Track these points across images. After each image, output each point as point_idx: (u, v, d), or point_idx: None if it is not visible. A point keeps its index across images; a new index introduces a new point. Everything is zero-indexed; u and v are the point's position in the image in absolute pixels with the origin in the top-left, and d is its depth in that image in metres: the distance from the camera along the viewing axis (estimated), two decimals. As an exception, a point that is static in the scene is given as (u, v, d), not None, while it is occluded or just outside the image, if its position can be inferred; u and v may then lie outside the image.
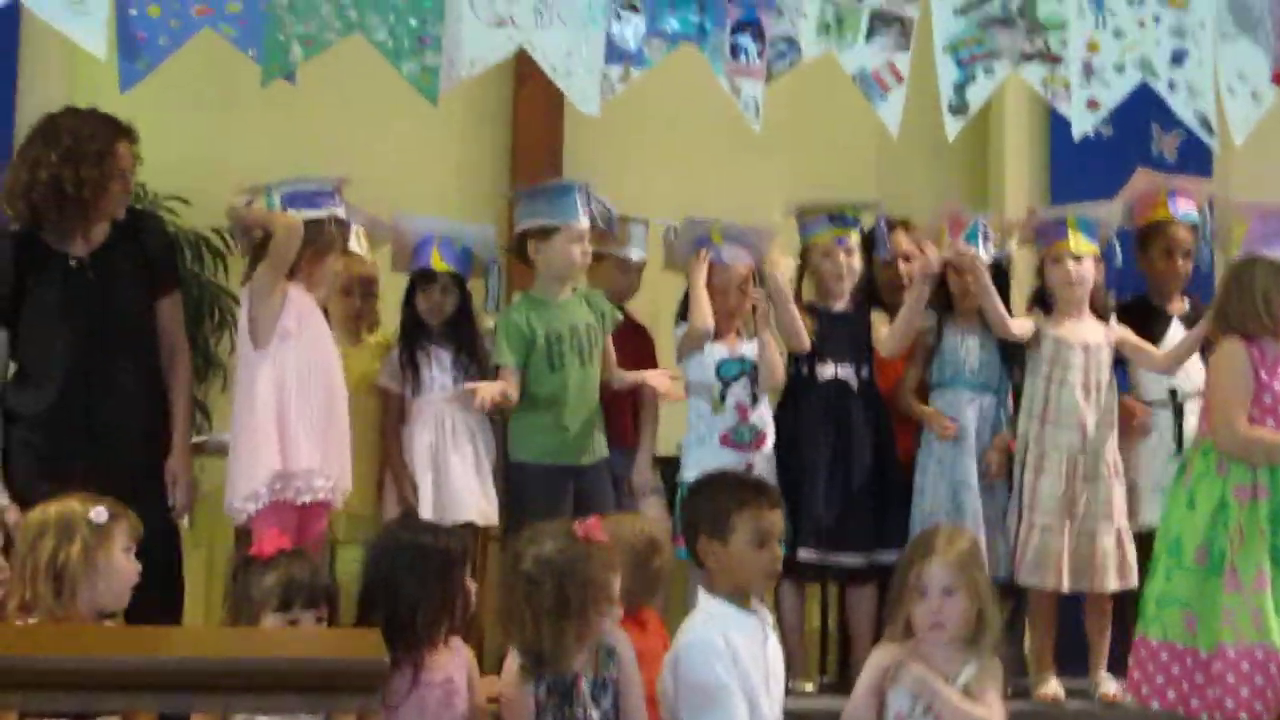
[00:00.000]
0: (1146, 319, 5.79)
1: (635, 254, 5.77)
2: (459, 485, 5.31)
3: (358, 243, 5.68)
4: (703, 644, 4.32)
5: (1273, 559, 4.70)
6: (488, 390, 5.26)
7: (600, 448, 5.43)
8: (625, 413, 5.68)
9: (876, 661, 4.43)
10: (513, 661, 4.32)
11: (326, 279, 5.26)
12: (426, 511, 5.23)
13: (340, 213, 5.22)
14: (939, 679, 4.30)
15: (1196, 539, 4.74)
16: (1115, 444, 5.55)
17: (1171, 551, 4.76)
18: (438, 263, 5.45)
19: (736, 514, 4.40)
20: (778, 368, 5.57)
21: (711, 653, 4.29)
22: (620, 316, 5.59)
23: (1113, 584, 5.47)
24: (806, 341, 5.60)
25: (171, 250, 5.50)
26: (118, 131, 5.06)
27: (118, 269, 5.10)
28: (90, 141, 4.99)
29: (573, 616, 4.25)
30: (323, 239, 5.17)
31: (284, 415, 5.02)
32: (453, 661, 4.42)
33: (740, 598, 4.43)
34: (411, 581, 4.35)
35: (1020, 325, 5.60)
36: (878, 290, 5.89)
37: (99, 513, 4.22)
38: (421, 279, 5.48)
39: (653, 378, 5.56)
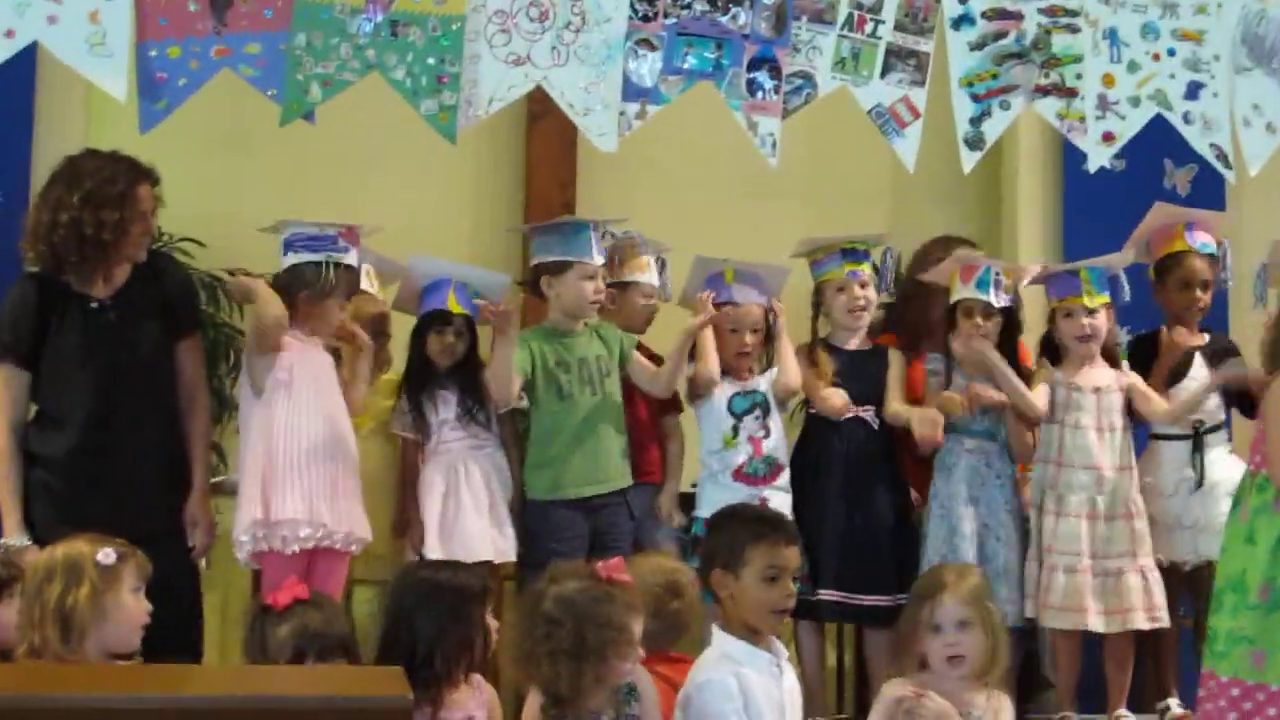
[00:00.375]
0: (1149, 352, 5.78)
1: (649, 279, 5.74)
2: (470, 526, 5.28)
3: (369, 282, 5.69)
4: (714, 684, 4.29)
5: None
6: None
7: (617, 478, 5.42)
8: (649, 447, 5.66)
9: (889, 694, 4.43)
10: (533, 701, 4.30)
11: (328, 323, 5.25)
12: (434, 554, 5.22)
13: (344, 258, 5.20)
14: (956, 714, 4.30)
15: (1259, 576, 4.73)
16: (1135, 484, 5.54)
17: (1236, 588, 4.74)
18: (454, 305, 5.45)
19: (751, 548, 4.39)
20: (794, 371, 5.57)
21: (723, 694, 4.27)
22: (636, 339, 5.58)
23: (1140, 623, 5.45)
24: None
25: (191, 293, 5.51)
26: (139, 174, 5.07)
27: (138, 311, 5.10)
28: (111, 184, 5.00)
29: (590, 658, 4.20)
30: (319, 284, 5.18)
31: (271, 464, 5.07)
32: (474, 699, 4.41)
33: (755, 635, 4.41)
34: (429, 619, 4.34)
35: (1042, 399, 5.60)
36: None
37: (106, 554, 4.18)
38: (437, 321, 5.46)
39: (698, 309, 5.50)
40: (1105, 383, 5.59)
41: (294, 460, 5.07)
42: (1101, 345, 5.65)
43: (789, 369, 5.58)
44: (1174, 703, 5.62)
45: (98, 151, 5.12)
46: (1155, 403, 5.64)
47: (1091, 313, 5.59)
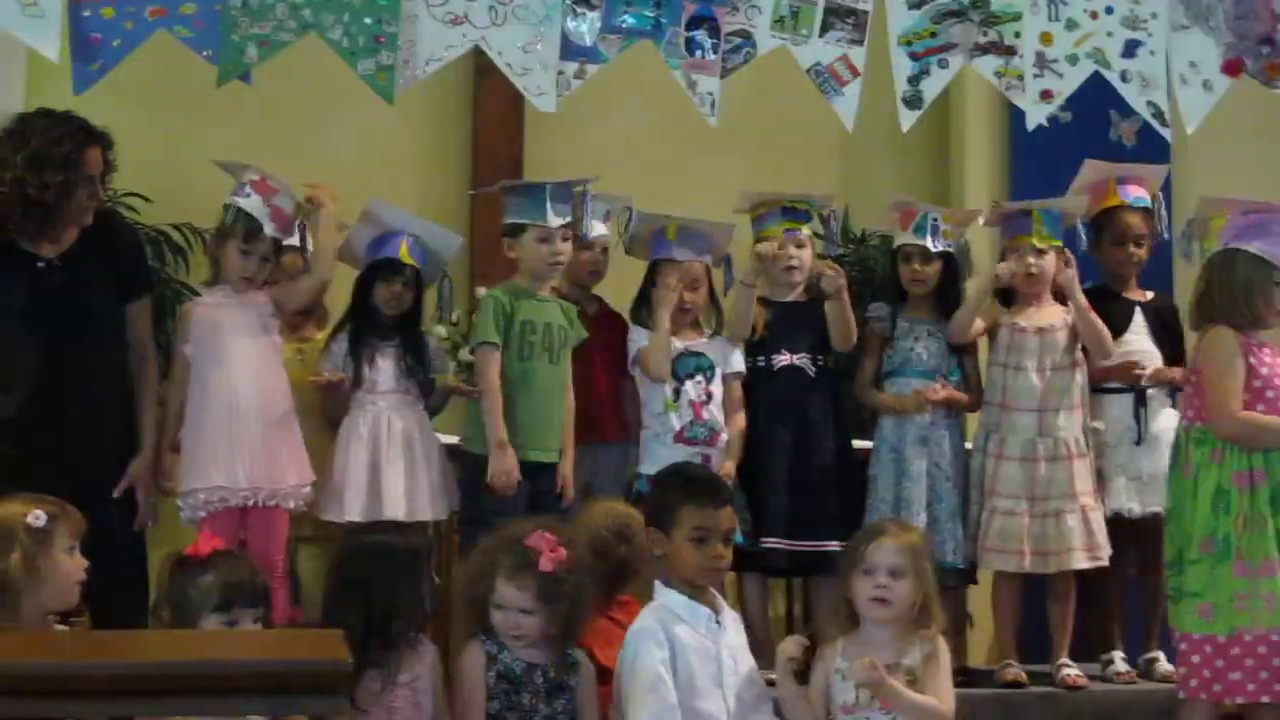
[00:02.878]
0: (1108, 305, 5.81)
1: (594, 230, 5.72)
2: (390, 484, 5.26)
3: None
4: (644, 633, 4.40)
5: (1278, 542, 4.74)
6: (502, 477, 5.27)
7: (558, 448, 5.40)
8: (605, 408, 5.68)
9: (822, 660, 4.48)
10: (477, 654, 4.39)
11: (231, 268, 5.21)
12: (355, 508, 5.22)
13: (241, 203, 5.17)
14: (883, 667, 4.34)
15: (1202, 530, 4.78)
16: (1078, 424, 5.57)
17: (1187, 545, 4.82)
18: (405, 256, 5.43)
19: (681, 508, 4.48)
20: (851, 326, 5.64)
21: (652, 641, 4.37)
22: (585, 335, 5.56)
23: (1080, 562, 5.50)
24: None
25: (142, 254, 5.47)
26: (89, 137, 5.01)
27: (87, 272, 5.07)
28: (57, 145, 4.94)
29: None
30: (222, 226, 5.20)
31: (198, 426, 5.10)
32: (420, 660, 4.45)
33: (695, 590, 4.48)
34: (385, 584, 4.37)
35: (971, 332, 5.69)
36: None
37: (36, 516, 4.15)
38: (386, 269, 5.43)
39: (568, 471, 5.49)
40: (1050, 322, 5.62)
41: (218, 421, 5.07)
42: (1050, 287, 5.67)
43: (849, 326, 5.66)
44: (1118, 655, 5.67)
45: (51, 111, 5.05)
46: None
47: (1040, 253, 5.61)
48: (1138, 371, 5.68)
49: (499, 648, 4.39)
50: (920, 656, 4.40)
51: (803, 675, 4.48)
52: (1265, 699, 4.73)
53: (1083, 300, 5.59)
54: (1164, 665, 5.59)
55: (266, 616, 4.27)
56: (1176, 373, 5.63)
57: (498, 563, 4.40)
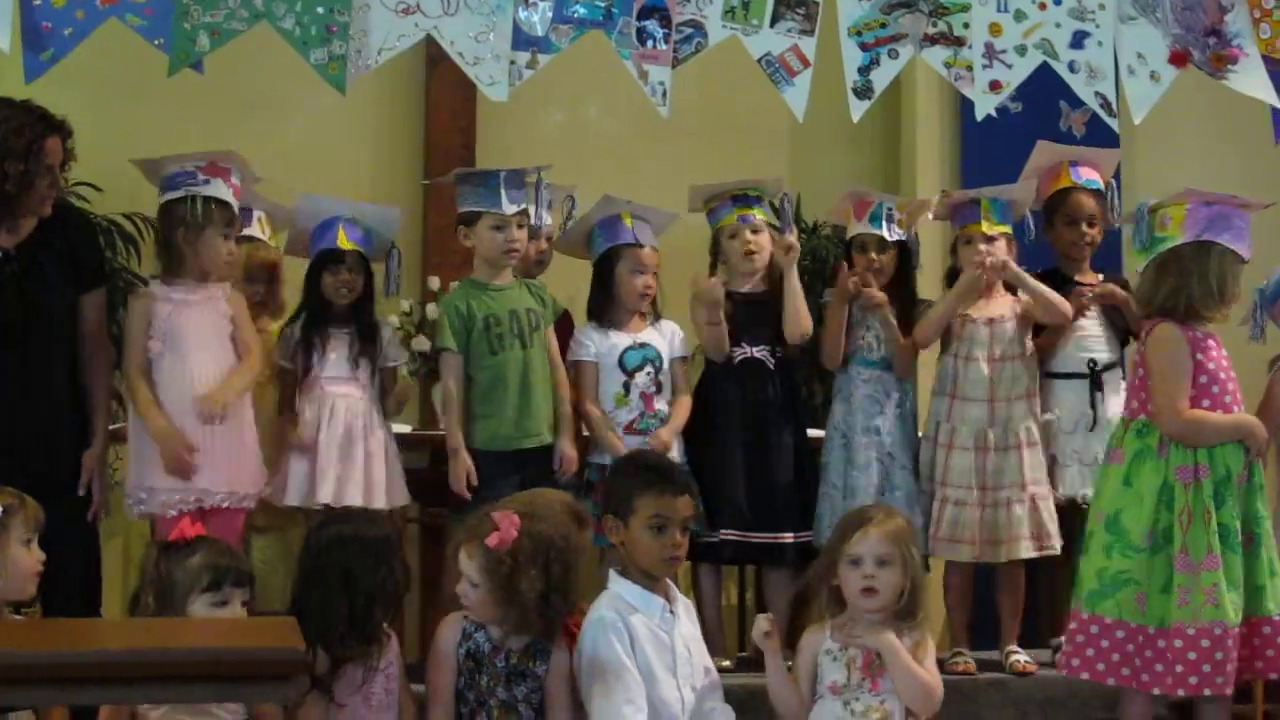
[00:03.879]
0: (1058, 289, 5.84)
1: (545, 220, 5.69)
2: (338, 471, 5.26)
3: (260, 229, 5.71)
4: (601, 623, 4.42)
5: (1221, 537, 4.78)
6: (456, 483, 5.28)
7: (546, 432, 5.42)
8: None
9: (808, 643, 4.51)
10: (455, 628, 4.42)
11: (214, 258, 5.19)
12: (294, 494, 5.25)
13: (206, 191, 5.15)
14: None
15: (1143, 521, 4.80)
16: (1030, 414, 5.61)
17: (1111, 529, 4.81)
18: (344, 241, 5.43)
19: (639, 496, 4.50)
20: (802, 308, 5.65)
21: (611, 631, 4.40)
22: (563, 308, 5.59)
23: (1026, 551, 5.54)
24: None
25: (97, 246, 5.46)
26: (49, 126, 4.99)
27: (43, 263, 5.05)
28: (18, 136, 4.91)
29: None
30: (189, 219, 5.14)
31: (143, 432, 5.09)
32: (391, 647, 4.47)
33: (650, 581, 4.50)
34: (365, 575, 4.37)
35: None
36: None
37: None
38: (329, 258, 5.43)
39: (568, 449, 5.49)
40: (1000, 313, 5.65)
41: (176, 423, 5.06)
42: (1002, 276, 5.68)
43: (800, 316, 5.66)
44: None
45: (10, 101, 5.01)
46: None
47: (990, 240, 5.64)
48: (1085, 300, 5.71)
49: (475, 626, 4.40)
50: (909, 644, 4.44)
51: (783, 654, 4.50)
52: (1207, 691, 4.77)
53: (1021, 272, 5.60)
54: None
55: (251, 602, 4.29)
56: (1117, 290, 5.68)
57: (466, 527, 4.45)
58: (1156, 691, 4.82)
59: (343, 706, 4.32)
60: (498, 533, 4.34)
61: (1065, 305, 5.64)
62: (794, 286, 5.65)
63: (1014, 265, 5.61)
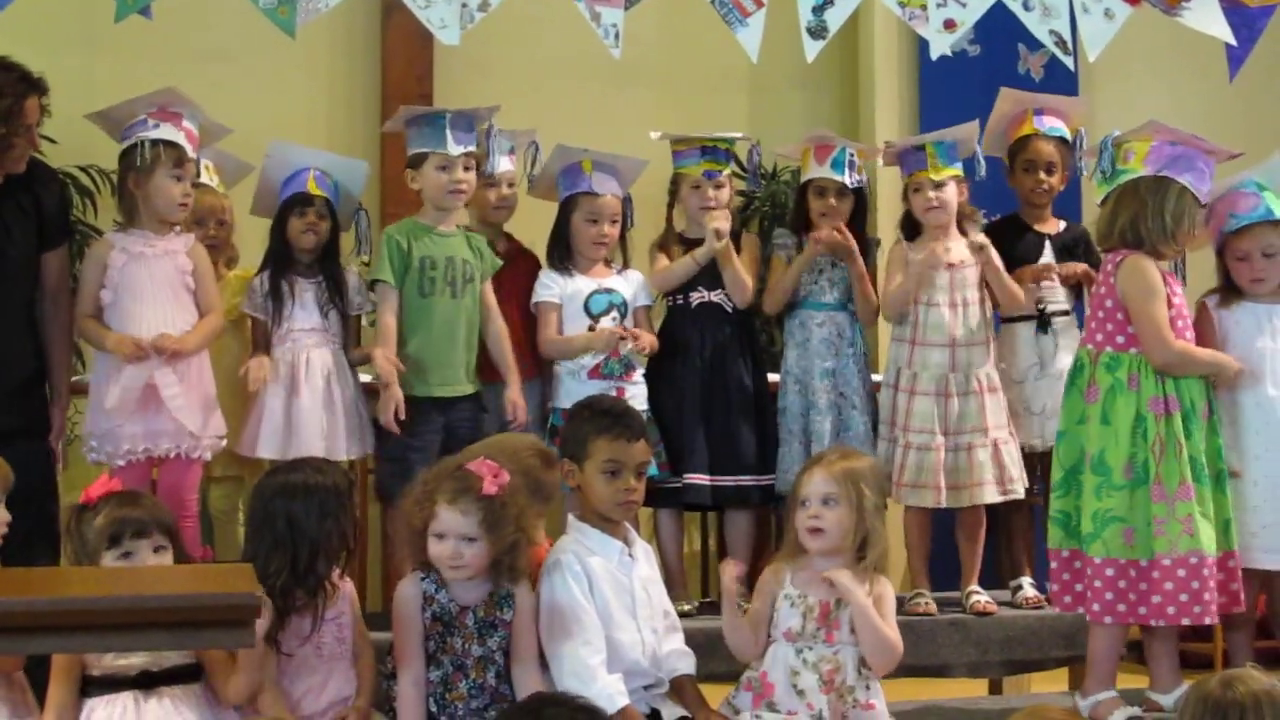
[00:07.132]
0: (1016, 238, 5.85)
1: (500, 165, 5.69)
2: (308, 421, 5.27)
3: (208, 176, 5.67)
4: (559, 565, 4.43)
5: (1192, 468, 4.80)
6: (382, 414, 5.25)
7: (467, 384, 5.40)
8: (520, 343, 5.64)
9: (767, 582, 4.52)
10: (416, 585, 4.37)
11: (168, 201, 5.16)
12: (273, 446, 5.23)
13: (155, 134, 5.13)
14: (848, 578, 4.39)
15: (1121, 456, 4.80)
16: (989, 359, 5.62)
17: (1097, 469, 4.81)
18: (314, 188, 5.41)
19: (594, 441, 4.49)
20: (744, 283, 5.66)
21: (569, 573, 4.40)
22: (500, 263, 5.57)
23: (990, 496, 5.56)
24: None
25: (66, 205, 5.46)
26: (28, 86, 4.97)
27: (8, 219, 5.03)
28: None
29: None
30: (138, 164, 5.12)
31: (102, 380, 5.09)
32: (342, 597, 4.45)
33: (608, 524, 4.51)
34: (310, 523, 4.33)
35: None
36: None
37: None
38: (297, 203, 5.41)
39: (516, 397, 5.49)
40: (961, 258, 5.64)
41: (132, 373, 5.04)
42: (954, 217, 5.70)
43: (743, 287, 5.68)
44: (1027, 581, 5.76)
45: None
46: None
47: (939, 185, 5.64)
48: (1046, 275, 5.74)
49: (436, 586, 4.31)
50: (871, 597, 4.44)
51: (745, 597, 4.51)
52: (1186, 621, 4.78)
53: (996, 260, 5.62)
54: (1028, 591, 5.71)
55: (178, 552, 4.27)
56: (1080, 267, 5.72)
57: (438, 490, 4.29)
58: (1152, 624, 4.83)
59: (290, 656, 4.30)
60: (493, 480, 4.29)
61: (1021, 298, 5.67)
62: (735, 275, 5.66)
63: (992, 253, 5.61)
